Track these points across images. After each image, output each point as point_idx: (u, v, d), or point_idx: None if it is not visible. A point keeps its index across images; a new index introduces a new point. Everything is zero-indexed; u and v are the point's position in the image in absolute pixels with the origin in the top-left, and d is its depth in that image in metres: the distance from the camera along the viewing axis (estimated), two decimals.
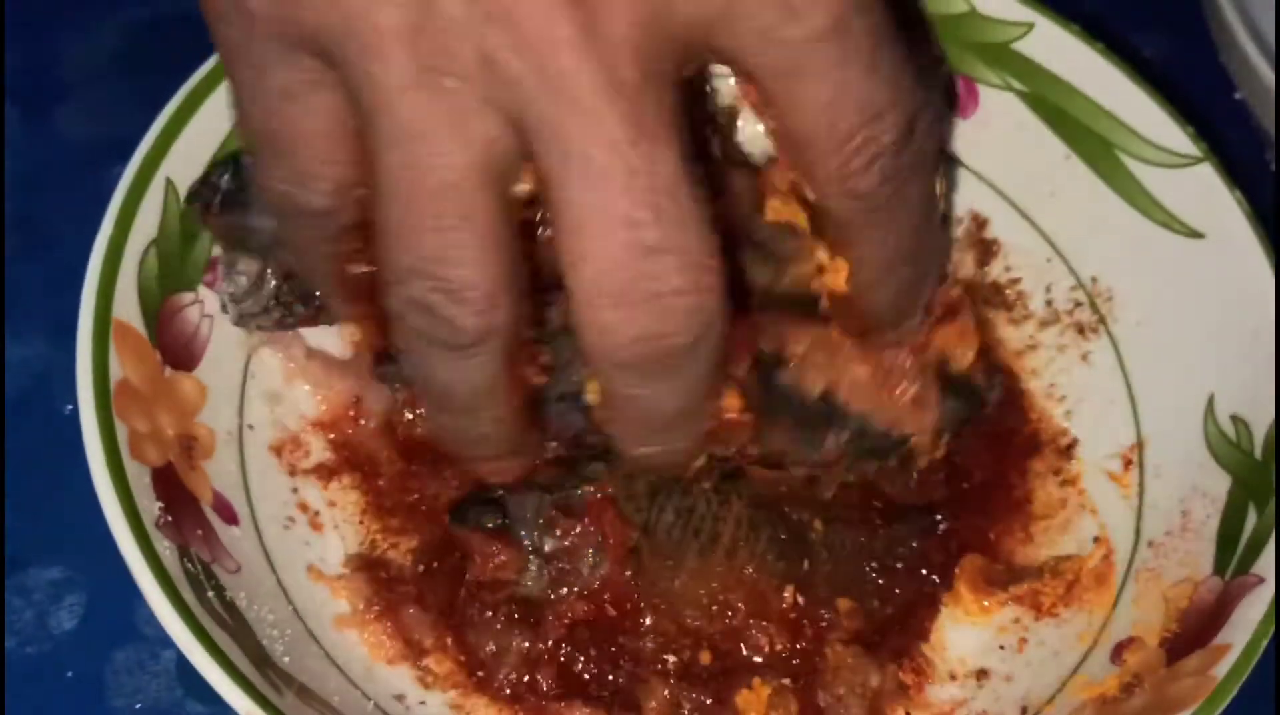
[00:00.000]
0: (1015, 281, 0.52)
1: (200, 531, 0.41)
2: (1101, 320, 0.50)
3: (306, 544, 0.46)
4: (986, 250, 0.52)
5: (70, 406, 0.45)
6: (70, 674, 0.43)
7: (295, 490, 0.46)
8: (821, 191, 0.32)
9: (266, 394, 0.47)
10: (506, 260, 0.27)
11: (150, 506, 0.40)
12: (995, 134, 0.51)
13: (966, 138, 0.52)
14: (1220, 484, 0.45)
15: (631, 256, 0.27)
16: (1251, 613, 0.41)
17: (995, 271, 0.52)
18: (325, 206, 0.30)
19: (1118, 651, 0.44)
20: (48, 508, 0.45)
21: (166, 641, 0.41)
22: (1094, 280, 0.50)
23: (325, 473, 0.47)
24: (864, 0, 0.30)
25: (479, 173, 0.26)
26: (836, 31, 0.29)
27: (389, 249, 0.28)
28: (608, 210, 0.26)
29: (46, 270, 0.49)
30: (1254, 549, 0.43)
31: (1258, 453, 0.44)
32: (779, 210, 0.38)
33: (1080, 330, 0.50)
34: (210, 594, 0.40)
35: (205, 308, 0.45)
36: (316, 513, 0.47)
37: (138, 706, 0.42)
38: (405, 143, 0.26)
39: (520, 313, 0.28)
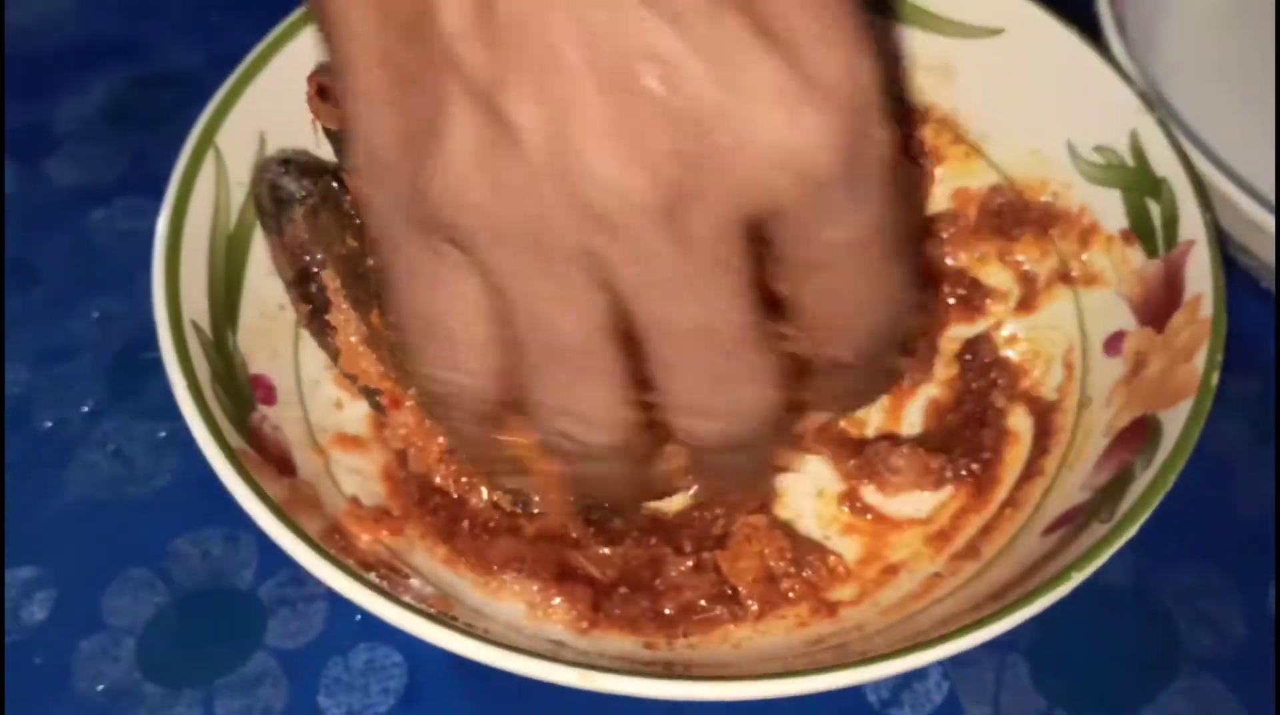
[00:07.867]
0: None
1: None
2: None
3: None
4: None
5: (49, 423, 0.50)
6: (39, 660, 0.45)
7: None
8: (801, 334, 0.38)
9: None
10: (620, 386, 0.35)
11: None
12: None
13: None
14: (1114, 203, 0.51)
15: (711, 388, 0.35)
16: (1201, 263, 0.47)
17: None
18: (474, 387, 0.36)
19: (1113, 345, 0.48)
20: (26, 517, 0.48)
21: (129, 630, 0.45)
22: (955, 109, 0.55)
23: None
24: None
25: (591, 333, 0.33)
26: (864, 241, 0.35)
27: (535, 399, 0.35)
28: (693, 359, 0.34)
29: (28, 303, 0.53)
30: (1170, 225, 0.48)
31: (1129, 160, 0.50)
32: None
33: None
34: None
35: None
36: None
37: (100, 688, 0.44)
38: (534, 321, 0.33)
39: (637, 418, 0.36)
